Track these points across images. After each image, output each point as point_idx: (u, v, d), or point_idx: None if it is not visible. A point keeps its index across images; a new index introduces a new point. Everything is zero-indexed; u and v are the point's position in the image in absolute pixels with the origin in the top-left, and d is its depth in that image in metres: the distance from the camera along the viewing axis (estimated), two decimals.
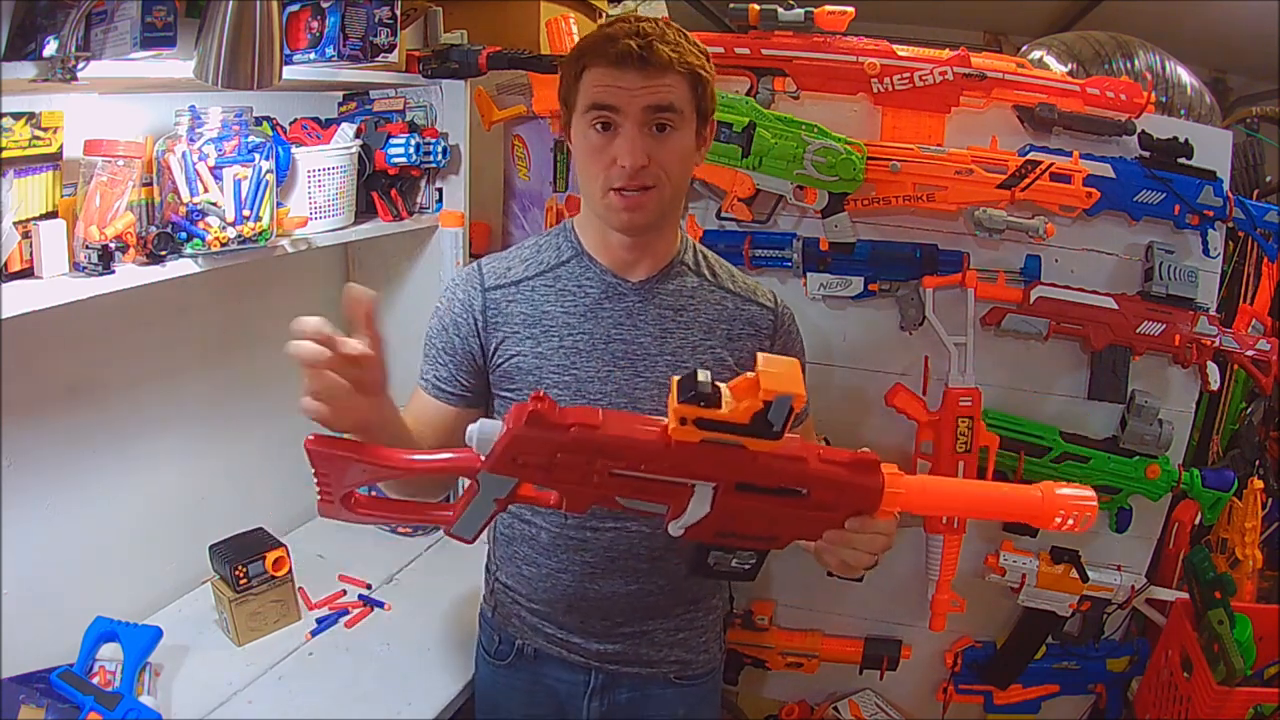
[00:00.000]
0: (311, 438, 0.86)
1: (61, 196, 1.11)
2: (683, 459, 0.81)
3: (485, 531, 0.91)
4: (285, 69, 1.25)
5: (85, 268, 1.10)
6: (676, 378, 0.79)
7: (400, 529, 1.79)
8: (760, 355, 0.78)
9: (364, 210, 1.63)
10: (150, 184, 1.19)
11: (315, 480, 0.86)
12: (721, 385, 0.78)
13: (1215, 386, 1.64)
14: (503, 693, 1.30)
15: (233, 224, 1.23)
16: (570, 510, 0.85)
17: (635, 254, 1.12)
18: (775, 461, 0.82)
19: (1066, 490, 0.84)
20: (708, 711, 1.33)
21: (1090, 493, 0.84)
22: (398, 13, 1.50)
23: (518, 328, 1.12)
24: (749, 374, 0.77)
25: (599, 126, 1.02)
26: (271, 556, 1.44)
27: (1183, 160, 1.55)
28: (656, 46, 0.99)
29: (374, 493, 0.96)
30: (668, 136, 1.03)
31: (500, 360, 1.13)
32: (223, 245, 1.22)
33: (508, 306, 1.13)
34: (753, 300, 1.18)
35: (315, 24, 1.42)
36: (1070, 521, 0.83)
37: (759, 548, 0.89)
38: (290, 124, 1.56)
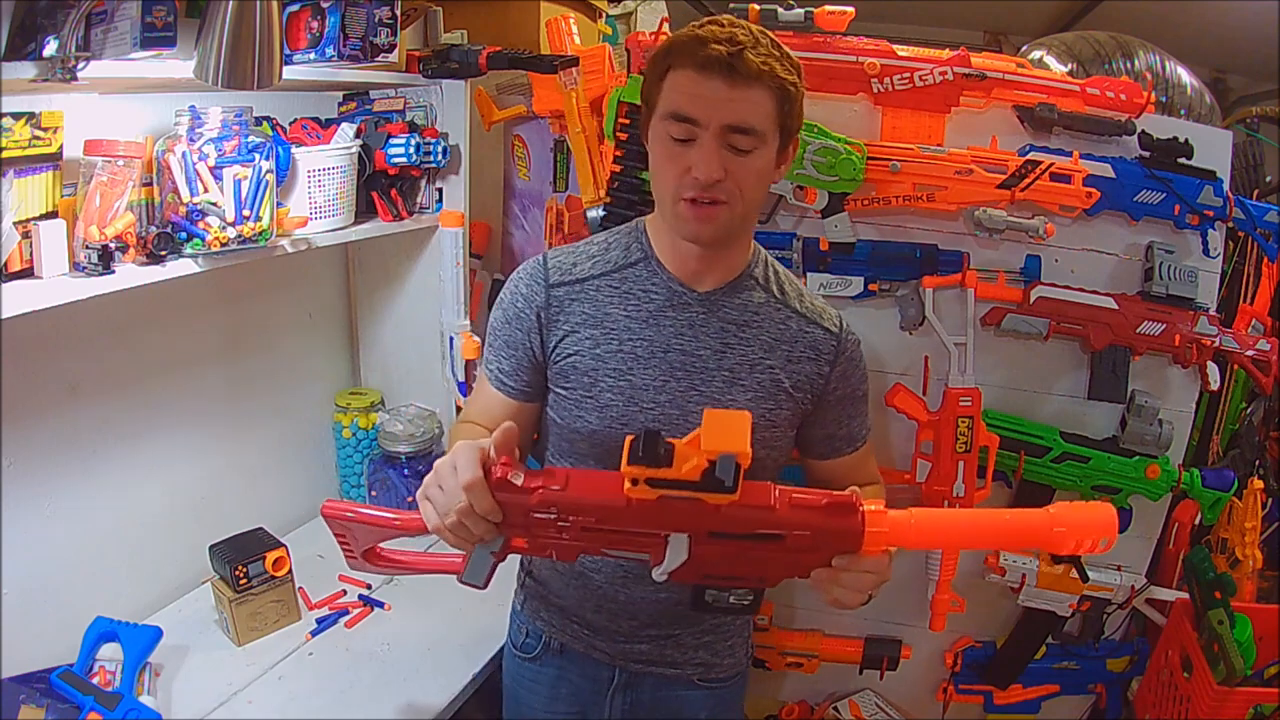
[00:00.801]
0: (326, 503, 1.00)
1: (61, 196, 1.11)
2: (646, 514, 0.83)
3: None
4: (285, 69, 1.25)
5: (85, 268, 1.10)
6: (630, 437, 0.81)
7: None
8: (706, 411, 0.80)
9: (364, 210, 1.63)
10: (150, 184, 1.19)
11: (337, 540, 1.00)
12: (676, 442, 0.80)
13: (1215, 386, 1.64)
14: (527, 688, 1.31)
15: (233, 224, 1.23)
16: (561, 559, 0.91)
17: (704, 264, 1.10)
18: (741, 511, 0.83)
19: (1078, 511, 0.79)
20: (731, 714, 1.33)
21: (1109, 510, 0.79)
22: (398, 13, 1.50)
23: (578, 326, 1.11)
24: (697, 430, 0.79)
25: (675, 135, 0.99)
26: (271, 556, 1.44)
27: (1183, 160, 1.55)
28: (746, 55, 0.95)
29: None
30: (745, 156, 1.00)
31: (559, 357, 1.12)
32: (223, 245, 1.22)
33: (570, 305, 1.11)
34: (818, 324, 1.14)
35: (315, 24, 1.42)
36: (1089, 544, 0.79)
37: (749, 586, 0.90)
38: (290, 124, 1.56)
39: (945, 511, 0.86)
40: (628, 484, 0.81)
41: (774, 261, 1.18)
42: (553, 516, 0.87)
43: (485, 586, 0.92)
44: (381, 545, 1.04)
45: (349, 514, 1.01)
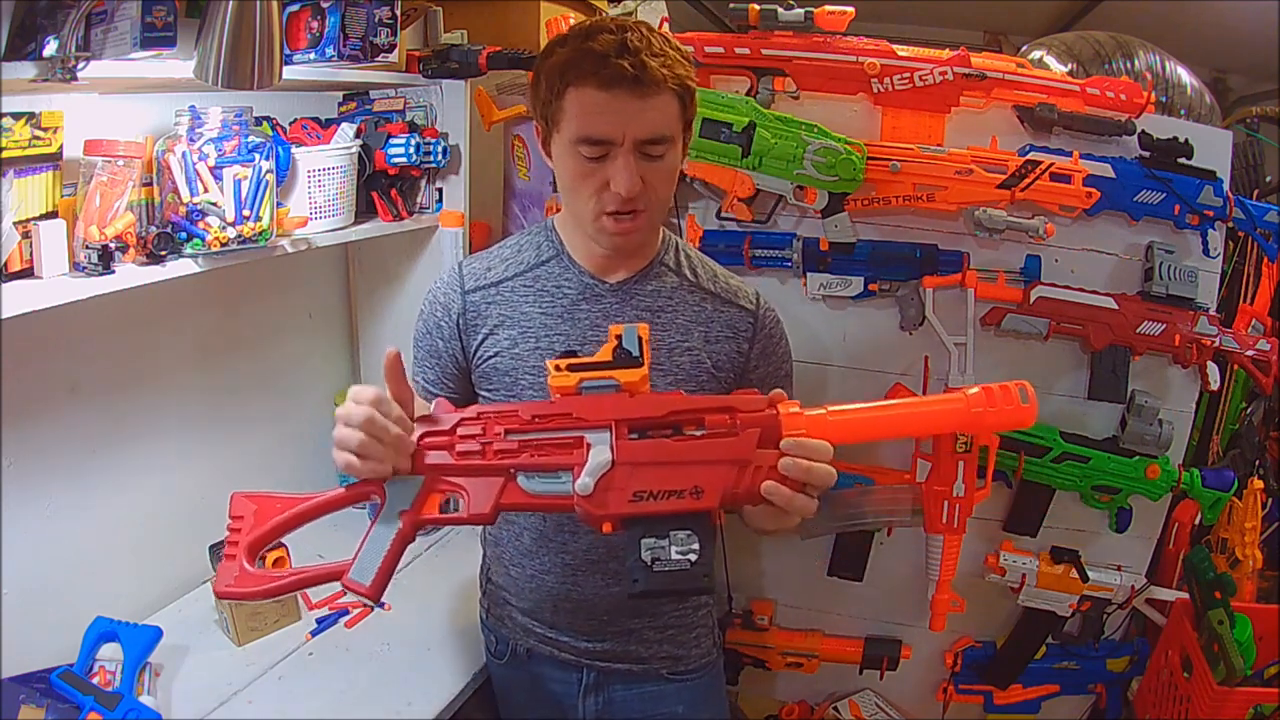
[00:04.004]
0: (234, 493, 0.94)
1: (61, 196, 1.11)
2: (569, 408, 0.86)
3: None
4: (285, 69, 1.25)
5: (85, 268, 1.10)
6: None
7: None
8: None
9: (364, 210, 1.63)
10: (150, 184, 1.19)
11: (227, 535, 0.92)
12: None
13: (1215, 386, 1.64)
14: (508, 690, 1.34)
15: (233, 224, 1.23)
16: (476, 518, 0.86)
17: (617, 259, 1.12)
18: (655, 396, 0.87)
19: (995, 393, 0.82)
20: (711, 710, 1.33)
21: (1025, 386, 0.82)
22: (398, 13, 1.50)
23: (496, 328, 1.13)
24: None
25: (589, 155, 0.99)
26: (271, 557, 1.44)
27: (1183, 160, 1.55)
28: (649, 65, 0.94)
29: None
30: (658, 161, 1.01)
31: (480, 360, 1.14)
32: (223, 245, 1.22)
33: (487, 308, 1.13)
34: (733, 302, 1.16)
35: (315, 24, 1.42)
36: (1008, 422, 0.81)
37: (686, 507, 0.83)
38: (290, 124, 1.56)
39: (864, 405, 0.87)
40: (551, 371, 0.85)
41: (685, 245, 1.20)
42: (479, 430, 0.87)
43: (376, 596, 0.84)
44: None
45: (259, 496, 0.96)
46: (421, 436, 0.88)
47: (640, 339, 0.85)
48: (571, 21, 1.74)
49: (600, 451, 0.84)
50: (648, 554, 0.82)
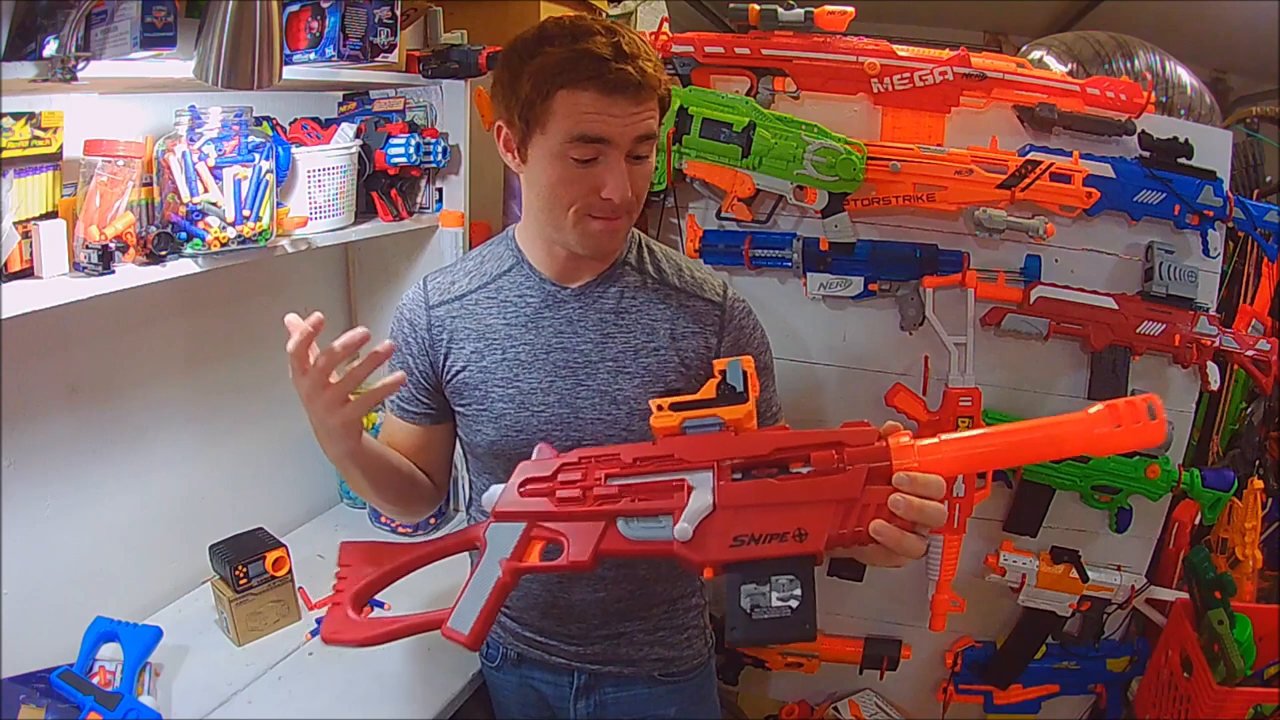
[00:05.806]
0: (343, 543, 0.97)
1: (61, 196, 1.11)
2: (671, 449, 0.84)
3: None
4: (285, 69, 1.24)
5: (85, 268, 1.10)
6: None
7: (400, 528, 1.79)
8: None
9: (364, 210, 1.63)
10: (150, 184, 1.19)
11: (335, 583, 0.94)
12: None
13: (1215, 386, 1.64)
14: (500, 694, 1.33)
15: (233, 224, 1.22)
16: (576, 565, 0.84)
17: (577, 261, 1.10)
18: (759, 434, 0.84)
19: (1117, 410, 0.71)
20: (704, 712, 1.33)
21: (1153, 400, 0.71)
22: (398, 13, 1.50)
23: (463, 342, 1.12)
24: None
25: (580, 157, 0.97)
26: (271, 556, 1.44)
27: (1183, 160, 1.56)
28: (646, 70, 0.94)
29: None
30: (643, 163, 1.00)
31: (450, 376, 1.13)
32: (223, 245, 1.22)
33: (452, 322, 1.12)
34: (698, 295, 1.13)
35: (315, 24, 1.42)
36: (1135, 441, 0.71)
37: (789, 551, 0.78)
38: (290, 124, 1.56)
39: (978, 432, 0.79)
40: (653, 410, 0.84)
41: (650, 242, 1.18)
42: (580, 476, 0.86)
43: (476, 645, 0.85)
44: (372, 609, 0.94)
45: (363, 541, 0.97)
46: (523, 483, 0.88)
47: (745, 373, 0.83)
48: None
49: (701, 495, 0.81)
50: (747, 600, 0.78)
